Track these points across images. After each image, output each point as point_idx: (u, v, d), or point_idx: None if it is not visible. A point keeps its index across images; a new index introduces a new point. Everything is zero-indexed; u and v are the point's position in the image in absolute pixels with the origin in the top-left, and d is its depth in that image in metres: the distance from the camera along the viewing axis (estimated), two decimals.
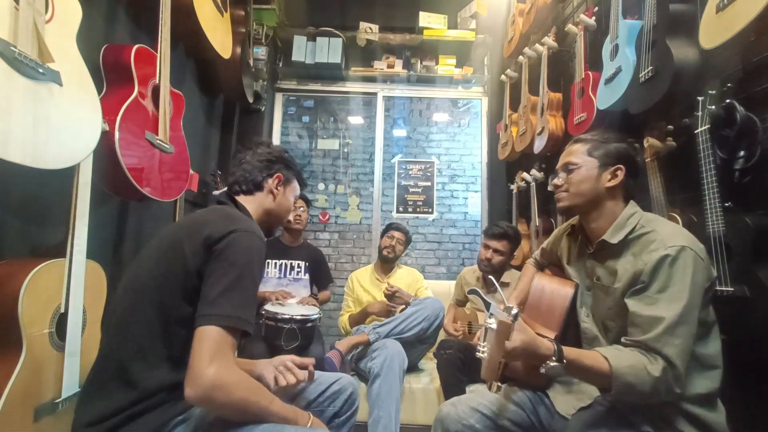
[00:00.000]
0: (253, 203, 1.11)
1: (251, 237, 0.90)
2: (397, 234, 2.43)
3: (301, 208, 2.46)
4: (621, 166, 1.06)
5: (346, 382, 1.24)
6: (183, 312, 0.85)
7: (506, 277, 2.12)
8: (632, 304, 0.96)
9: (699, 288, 0.92)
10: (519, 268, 2.21)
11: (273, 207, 1.14)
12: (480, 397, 1.18)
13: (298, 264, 2.47)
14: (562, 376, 0.99)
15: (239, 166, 1.14)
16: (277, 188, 1.14)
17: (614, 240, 1.04)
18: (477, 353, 0.90)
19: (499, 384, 0.89)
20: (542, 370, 0.90)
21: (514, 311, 0.85)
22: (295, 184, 1.21)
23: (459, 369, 1.81)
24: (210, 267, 0.85)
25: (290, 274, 2.45)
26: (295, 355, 1.17)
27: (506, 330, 0.84)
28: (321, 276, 2.55)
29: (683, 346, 0.89)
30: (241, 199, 1.11)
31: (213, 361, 0.78)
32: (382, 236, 2.50)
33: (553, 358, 0.90)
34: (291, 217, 2.44)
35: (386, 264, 2.47)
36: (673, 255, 0.92)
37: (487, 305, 0.95)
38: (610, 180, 1.07)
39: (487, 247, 2.10)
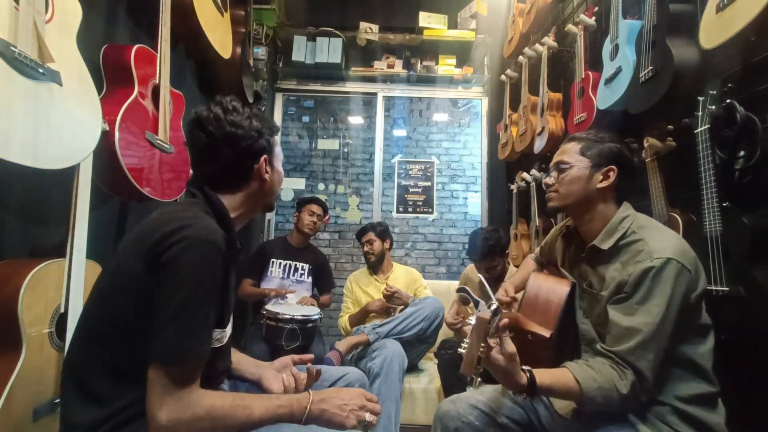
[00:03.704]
0: (239, 197, 0.95)
1: (200, 246, 0.76)
2: (366, 237, 2.44)
3: (318, 216, 2.48)
4: (613, 166, 1.04)
5: (354, 377, 1.20)
6: (141, 324, 0.76)
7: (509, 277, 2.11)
8: (612, 313, 0.96)
9: (677, 302, 0.91)
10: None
11: (267, 189, 0.99)
12: (479, 394, 1.18)
13: (302, 266, 2.48)
14: None
15: (211, 157, 0.92)
16: (266, 172, 0.96)
17: (605, 246, 1.02)
18: (459, 349, 0.92)
19: (480, 379, 0.90)
20: (512, 395, 0.95)
21: (494, 306, 0.86)
22: (277, 149, 1.01)
23: (459, 369, 1.81)
24: (156, 285, 0.75)
25: (294, 275, 2.46)
26: (294, 354, 1.15)
27: (483, 324, 0.85)
28: (324, 280, 2.56)
29: (655, 360, 0.91)
30: (224, 194, 0.94)
31: (163, 404, 0.72)
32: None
33: (524, 395, 0.92)
34: (306, 221, 2.45)
35: (374, 266, 2.47)
36: (658, 267, 0.91)
37: (476, 303, 0.95)
38: (601, 181, 1.04)
39: (479, 268, 2.06)
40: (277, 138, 1.02)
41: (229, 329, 0.95)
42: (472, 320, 0.88)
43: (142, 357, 0.75)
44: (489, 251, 1.97)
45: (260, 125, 0.94)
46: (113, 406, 0.77)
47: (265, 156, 0.95)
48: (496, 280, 2.06)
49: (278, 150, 1.01)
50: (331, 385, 1.17)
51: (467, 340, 0.90)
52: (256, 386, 1.08)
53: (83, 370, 0.79)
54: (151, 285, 0.75)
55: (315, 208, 2.48)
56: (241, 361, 1.11)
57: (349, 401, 0.89)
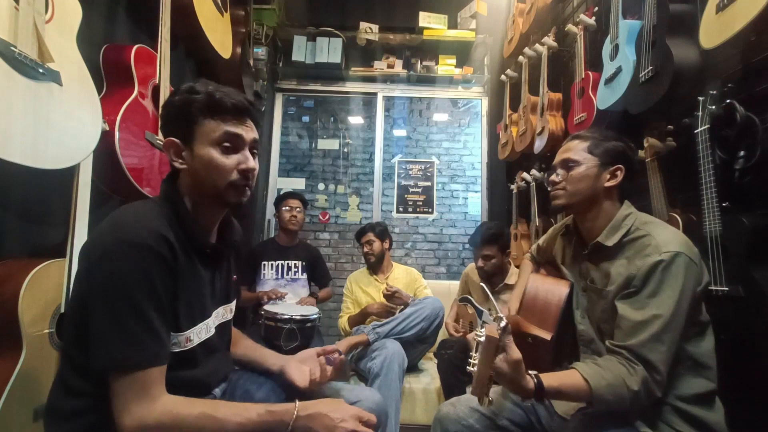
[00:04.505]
0: (185, 186, 0.87)
1: (121, 250, 0.73)
2: (366, 237, 2.43)
3: (297, 209, 2.46)
4: (621, 166, 1.04)
5: (367, 406, 1.00)
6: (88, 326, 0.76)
7: (510, 278, 2.08)
8: (621, 308, 0.96)
9: (688, 294, 0.91)
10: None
11: (192, 178, 0.85)
12: None
13: (295, 264, 2.47)
14: None
15: None
16: (176, 158, 0.84)
17: (609, 242, 1.02)
18: (468, 367, 0.89)
19: (491, 399, 0.88)
20: (520, 400, 0.94)
21: (503, 324, 0.84)
22: (211, 124, 0.83)
23: (459, 369, 1.81)
24: (88, 297, 0.74)
25: (287, 274, 2.45)
26: (317, 348, 1.10)
27: (494, 345, 0.83)
28: (319, 275, 2.56)
29: (668, 352, 0.90)
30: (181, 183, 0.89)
31: (125, 410, 0.72)
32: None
33: (532, 400, 0.92)
34: (286, 217, 2.44)
35: (374, 266, 2.47)
36: (667, 260, 0.91)
37: (479, 313, 0.94)
38: (609, 180, 1.04)
39: (476, 255, 2.06)
40: (210, 120, 0.83)
41: (197, 335, 0.88)
42: (480, 334, 0.85)
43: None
44: (487, 238, 2.00)
45: (181, 103, 0.83)
46: (86, 400, 0.77)
47: (170, 137, 0.84)
48: (491, 276, 2.06)
49: (202, 130, 0.83)
50: None
51: (475, 356, 0.87)
52: (278, 377, 1.04)
53: (63, 364, 0.81)
54: (88, 297, 0.74)
55: (292, 202, 2.47)
56: (265, 354, 1.09)
57: (339, 423, 0.82)
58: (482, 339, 0.84)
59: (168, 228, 0.79)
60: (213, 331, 0.94)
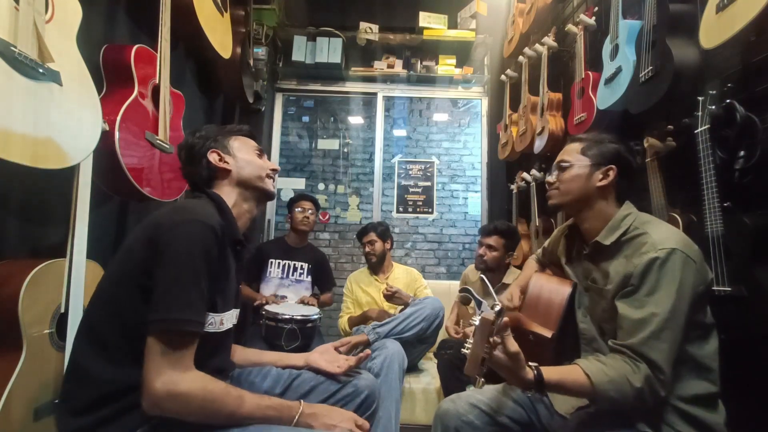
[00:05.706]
0: (223, 190, 1.04)
1: (191, 225, 0.84)
2: (368, 237, 2.43)
3: (309, 210, 2.48)
4: (613, 166, 1.06)
5: (363, 384, 1.15)
6: (142, 312, 0.81)
7: (508, 277, 2.10)
8: (621, 307, 0.96)
9: (687, 291, 0.91)
10: (520, 268, 2.20)
11: (238, 176, 1.05)
12: (479, 393, 1.18)
13: (301, 266, 2.47)
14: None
15: (186, 178, 1.09)
16: (222, 162, 1.04)
17: (607, 241, 1.03)
18: (462, 349, 0.91)
19: (483, 380, 0.89)
20: (521, 392, 0.95)
21: (498, 308, 0.86)
22: (240, 140, 1.09)
23: (459, 369, 1.81)
24: (153, 264, 0.81)
25: (293, 275, 2.45)
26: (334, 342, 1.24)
27: (487, 325, 0.85)
28: (323, 279, 2.55)
29: (670, 350, 0.90)
30: (216, 189, 1.05)
31: (159, 372, 0.76)
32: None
33: (533, 391, 0.91)
34: (299, 218, 2.45)
35: (375, 266, 2.47)
36: (663, 257, 0.92)
37: (479, 303, 0.95)
38: (601, 180, 1.06)
39: (480, 244, 2.11)
40: (237, 138, 1.10)
41: (227, 320, 0.96)
42: (476, 320, 0.87)
43: (136, 337, 0.79)
44: (498, 229, 2.05)
45: (206, 134, 1.07)
46: (106, 390, 0.80)
47: (212, 149, 1.05)
48: (488, 270, 2.08)
49: (236, 143, 1.08)
50: (336, 391, 1.13)
51: (470, 341, 0.89)
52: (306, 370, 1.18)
53: (82, 356, 0.84)
54: (147, 266, 0.82)
55: (305, 204, 2.49)
56: (286, 355, 1.25)
57: (339, 422, 0.92)
58: (477, 323, 0.86)
59: (218, 218, 0.92)
60: (231, 325, 1.00)
